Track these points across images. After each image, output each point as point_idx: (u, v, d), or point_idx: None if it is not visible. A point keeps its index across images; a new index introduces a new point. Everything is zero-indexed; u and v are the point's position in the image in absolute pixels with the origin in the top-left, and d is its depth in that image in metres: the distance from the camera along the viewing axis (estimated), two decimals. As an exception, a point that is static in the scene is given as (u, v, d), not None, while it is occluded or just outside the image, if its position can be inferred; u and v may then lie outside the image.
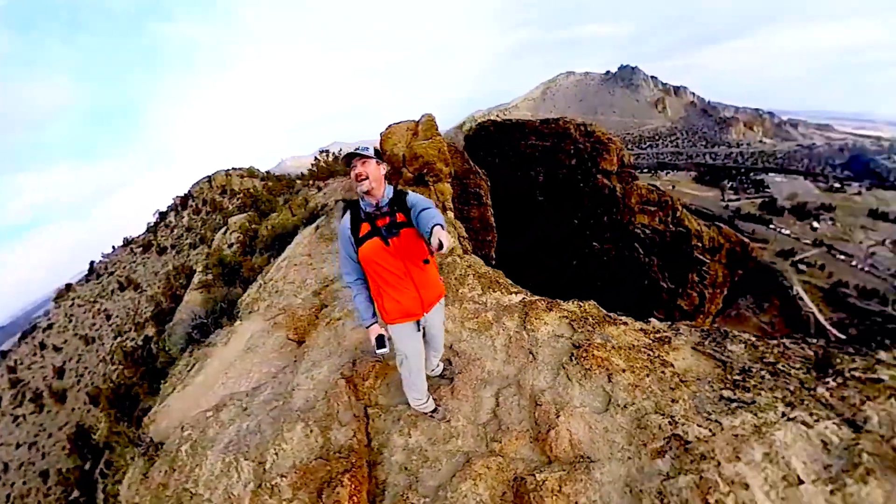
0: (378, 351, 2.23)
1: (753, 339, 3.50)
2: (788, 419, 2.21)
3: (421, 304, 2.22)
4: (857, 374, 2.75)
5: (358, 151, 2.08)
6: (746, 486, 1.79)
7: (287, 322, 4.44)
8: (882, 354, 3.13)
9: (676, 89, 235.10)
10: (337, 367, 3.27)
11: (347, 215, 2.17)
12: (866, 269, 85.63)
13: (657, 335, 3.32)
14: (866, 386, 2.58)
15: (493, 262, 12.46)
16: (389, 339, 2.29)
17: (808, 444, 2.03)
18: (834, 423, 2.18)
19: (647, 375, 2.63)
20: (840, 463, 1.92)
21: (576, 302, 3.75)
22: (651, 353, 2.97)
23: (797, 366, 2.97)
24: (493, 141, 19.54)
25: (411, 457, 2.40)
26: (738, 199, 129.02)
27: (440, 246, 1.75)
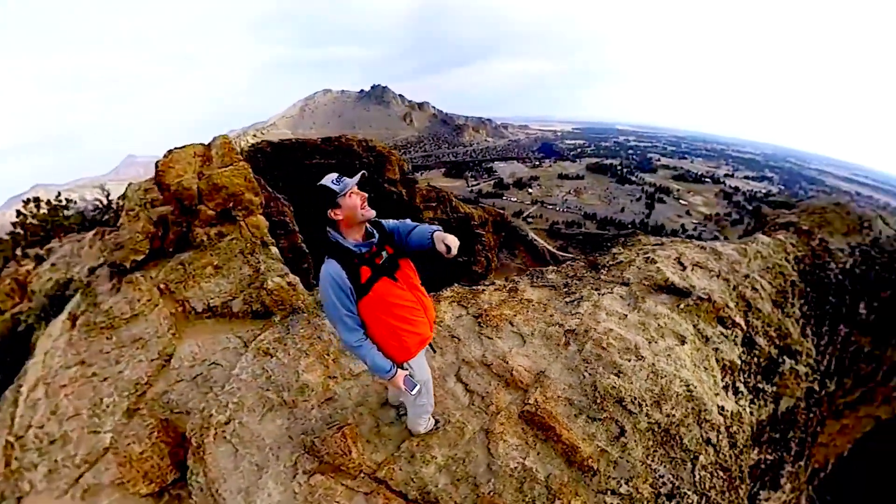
0: (413, 392, 2.08)
1: (554, 267, 5.19)
2: (602, 294, 3.68)
3: (430, 326, 2.14)
4: (609, 262, 4.64)
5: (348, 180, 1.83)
6: (610, 329, 3.05)
7: (125, 474, 2.76)
8: (615, 249, 5.26)
9: (421, 105, 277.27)
10: (294, 468, 2.45)
11: (336, 266, 1.81)
12: (564, 210, 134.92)
13: (508, 288, 4.51)
14: (618, 265, 4.42)
15: (314, 284, 12.36)
16: (410, 375, 2.10)
17: (615, 299, 3.56)
18: (618, 286, 3.79)
19: (525, 310, 3.73)
20: (630, 300, 3.46)
21: (446, 289, 4.59)
22: (514, 298, 4.10)
23: (583, 271, 4.66)
24: (272, 162, 18.67)
25: (451, 468, 2.38)
26: (478, 184, 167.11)
27: (448, 249, 1.75)
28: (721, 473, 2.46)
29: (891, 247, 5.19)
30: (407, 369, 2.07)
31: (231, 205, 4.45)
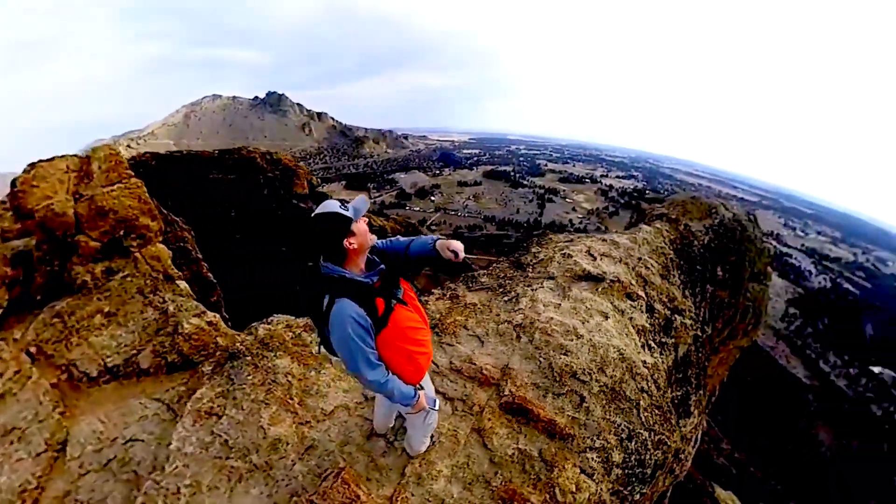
0: (435, 408, 2.08)
1: (483, 269, 5.66)
2: (534, 288, 4.20)
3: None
4: (532, 261, 5.24)
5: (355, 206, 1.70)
6: (551, 318, 3.55)
7: None
8: (534, 249, 5.91)
9: (320, 115, 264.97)
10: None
11: (352, 305, 1.66)
12: (465, 215, 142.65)
13: (448, 296, 4.79)
14: (540, 262, 5.02)
15: (230, 323, 11.34)
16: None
17: (547, 291, 4.11)
18: (546, 280, 4.35)
19: (474, 314, 4.06)
20: (559, 290, 4.03)
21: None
22: (459, 304, 4.41)
23: (511, 271, 5.19)
24: (158, 179, 16.49)
25: (459, 475, 2.49)
26: (380, 195, 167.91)
27: (456, 254, 1.74)
28: (656, 411, 3.10)
29: (731, 225, 6.79)
30: (422, 388, 2.03)
31: (122, 233, 3.52)
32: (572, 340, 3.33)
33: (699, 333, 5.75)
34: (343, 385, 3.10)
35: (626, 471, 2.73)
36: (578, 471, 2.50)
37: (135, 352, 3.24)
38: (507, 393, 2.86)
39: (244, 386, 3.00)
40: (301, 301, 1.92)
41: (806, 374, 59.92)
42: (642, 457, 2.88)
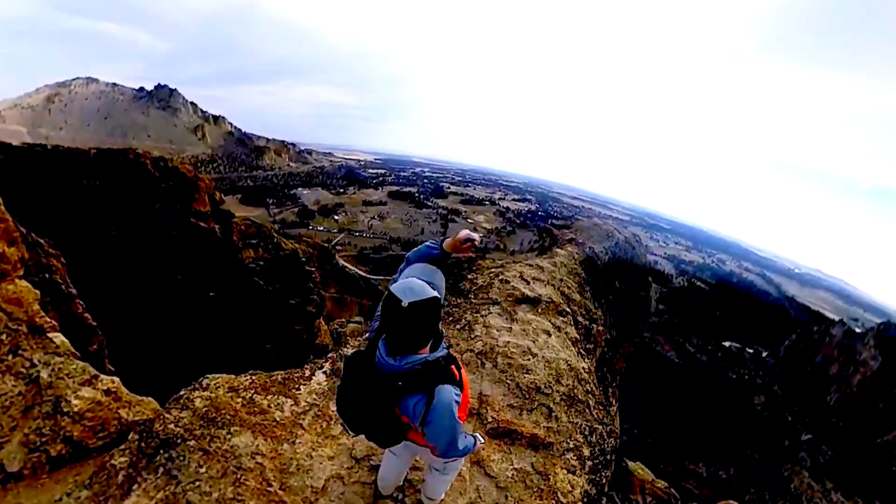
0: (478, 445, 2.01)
1: None
2: (483, 315, 4.62)
3: None
4: (472, 287, 5.71)
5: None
6: (507, 341, 3.98)
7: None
8: (470, 276, 6.40)
9: (216, 118, 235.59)
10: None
11: (453, 390, 1.55)
12: (370, 235, 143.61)
13: None
14: (480, 289, 5.51)
15: (113, 372, 9.47)
16: None
17: (496, 317, 4.55)
18: (491, 305, 4.81)
19: None
20: (506, 315, 4.51)
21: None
22: None
23: (454, 298, 5.55)
24: (5, 180, 12.82)
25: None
26: (280, 212, 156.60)
27: (471, 240, 1.79)
28: (600, 406, 3.73)
29: (623, 245, 8.25)
30: None
31: None
32: (529, 360, 3.80)
33: (608, 336, 6.83)
34: (326, 451, 2.68)
35: (595, 461, 3.25)
36: (566, 471, 2.91)
37: (-7, 449, 2.17)
38: (490, 419, 3.14)
39: (198, 483, 2.23)
40: (379, 414, 1.57)
41: (677, 356, 72.46)
42: (603, 446, 3.44)
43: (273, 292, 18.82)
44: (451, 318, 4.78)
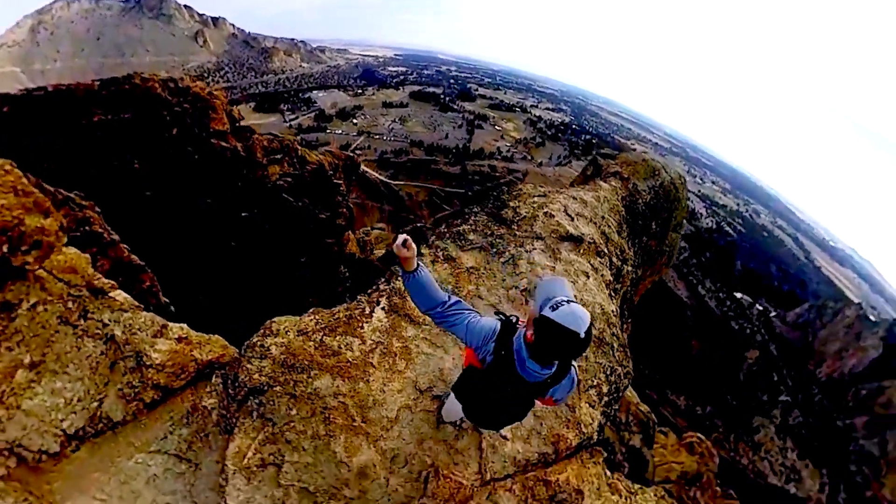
0: None
1: (465, 226, 6.11)
2: (528, 250, 4.86)
3: None
4: (515, 217, 5.82)
5: None
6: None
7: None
8: (512, 203, 6.47)
9: (215, 20, 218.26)
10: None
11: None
12: (391, 139, 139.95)
13: (443, 256, 5.03)
14: (523, 220, 5.64)
15: (173, 311, 10.04)
16: None
17: (540, 253, 4.79)
18: (535, 240, 5.00)
19: (481, 279, 4.46)
20: (549, 252, 4.71)
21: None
22: (460, 268, 4.68)
23: (497, 228, 5.69)
24: (13, 131, 12.08)
25: (516, 433, 3.14)
26: (296, 118, 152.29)
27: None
28: (621, 349, 4.13)
29: (668, 186, 7.98)
30: None
31: (4, 249, 2.40)
32: (571, 300, 4.12)
33: (635, 276, 7.06)
34: (395, 386, 3.05)
35: (610, 397, 3.73)
36: (588, 405, 3.39)
37: (96, 403, 2.51)
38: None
39: (292, 423, 2.66)
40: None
41: (687, 295, 73.57)
42: (618, 385, 3.90)
43: (302, 208, 19.15)
44: (494, 250, 4.86)
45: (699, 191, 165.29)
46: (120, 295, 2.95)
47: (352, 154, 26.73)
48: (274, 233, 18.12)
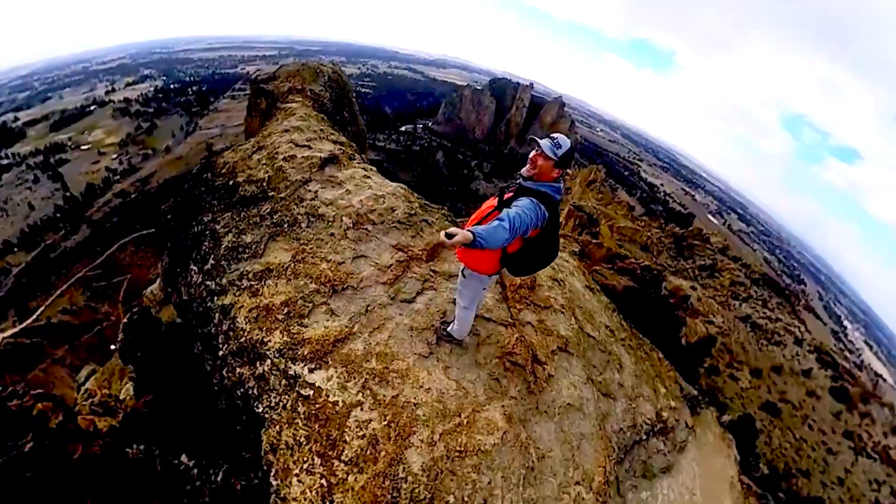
0: None
1: (230, 238, 5.21)
2: (304, 202, 4.67)
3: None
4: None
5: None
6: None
7: None
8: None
9: None
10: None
11: None
12: None
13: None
14: (273, 179, 5.22)
15: None
16: None
17: (330, 190, 4.66)
18: (302, 194, 4.84)
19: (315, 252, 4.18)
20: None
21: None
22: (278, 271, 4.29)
23: (250, 210, 5.10)
24: None
25: None
26: None
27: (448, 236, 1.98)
28: None
29: (334, 77, 8.37)
30: None
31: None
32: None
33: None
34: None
35: None
36: None
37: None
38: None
39: None
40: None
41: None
42: None
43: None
44: (297, 225, 4.39)
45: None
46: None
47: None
48: None
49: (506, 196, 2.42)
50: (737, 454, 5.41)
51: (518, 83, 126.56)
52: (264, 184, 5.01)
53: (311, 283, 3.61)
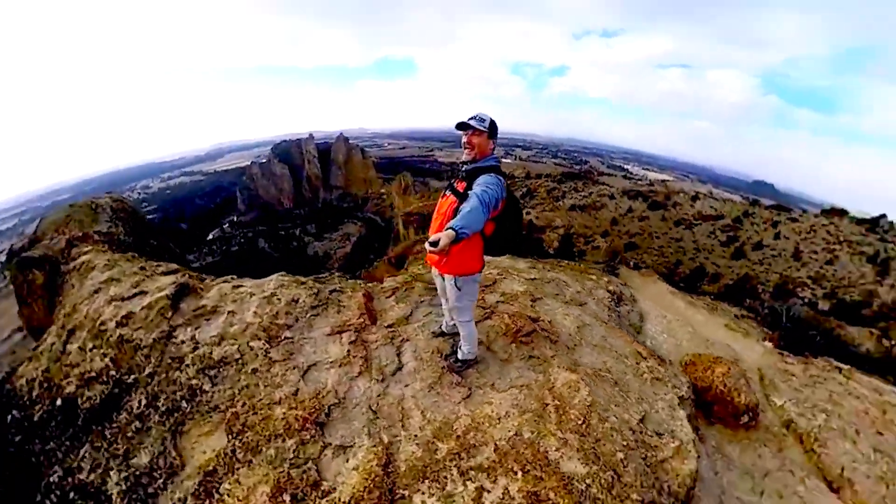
0: None
1: None
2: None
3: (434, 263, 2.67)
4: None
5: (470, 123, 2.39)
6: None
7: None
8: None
9: None
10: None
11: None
12: None
13: None
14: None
15: None
16: None
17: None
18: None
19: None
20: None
21: None
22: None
23: None
24: None
25: None
26: None
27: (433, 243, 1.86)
28: None
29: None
30: None
31: None
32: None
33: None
34: None
35: None
36: None
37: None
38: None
39: None
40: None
41: None
42: None
43: None
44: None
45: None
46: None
47: None
48: None
49: (460, 187, 2.41)
50: (658, 276, 6.64)
51: (298, 139, 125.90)
52: (112, 373, 3.70)
53: (282, 440, 2.61)
